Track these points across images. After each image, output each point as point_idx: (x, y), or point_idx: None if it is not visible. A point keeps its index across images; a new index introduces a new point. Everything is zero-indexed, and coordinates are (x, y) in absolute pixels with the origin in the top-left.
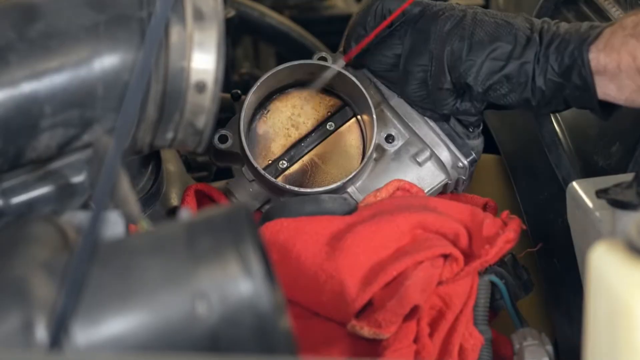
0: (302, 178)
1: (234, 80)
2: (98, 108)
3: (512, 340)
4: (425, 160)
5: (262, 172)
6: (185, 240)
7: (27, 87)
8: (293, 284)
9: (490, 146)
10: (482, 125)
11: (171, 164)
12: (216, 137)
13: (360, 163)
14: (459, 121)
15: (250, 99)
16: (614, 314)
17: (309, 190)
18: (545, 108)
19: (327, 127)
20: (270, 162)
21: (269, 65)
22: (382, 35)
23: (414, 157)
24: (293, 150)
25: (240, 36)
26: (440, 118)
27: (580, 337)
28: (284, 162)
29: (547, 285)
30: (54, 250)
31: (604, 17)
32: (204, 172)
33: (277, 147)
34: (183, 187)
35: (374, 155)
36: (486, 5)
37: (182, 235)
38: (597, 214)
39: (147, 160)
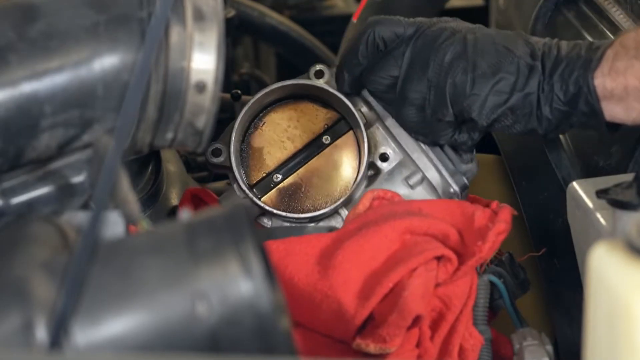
0: (296, 192)
1: (234, 80)
2: (98, 108)
3: (512, 340)
4: (416, 184)
5: (252, 196)
6: (185, 241)
7: (27, 87)
8: (290, 305)
9: (490, 146)
10: (475, 150)
11: (171, 164)
12: (209, 150)
13: (353, 184)
14: (452, 146)
15: (242, 117)
16: (614, 314)
17: (296, 215)
18: (552, 133)
19: (323, 140)
20: (264, 174)
21: (269, 65)
22: (377, 57)
23: (406, 179)
24: (288, 164)
25: (240, 36)
26: (432, 143)
27: (580, 337)
28: (278, 175)
29: (547, 285)
30: (54, 250)
31: (604, 17)
32: (204, 172)
33: (272, 160)
34: (183, 187)
35: (369, 173)
36: (486, 6)
37: (182, 236)
38: (597, 214)
39: (147, 160)
